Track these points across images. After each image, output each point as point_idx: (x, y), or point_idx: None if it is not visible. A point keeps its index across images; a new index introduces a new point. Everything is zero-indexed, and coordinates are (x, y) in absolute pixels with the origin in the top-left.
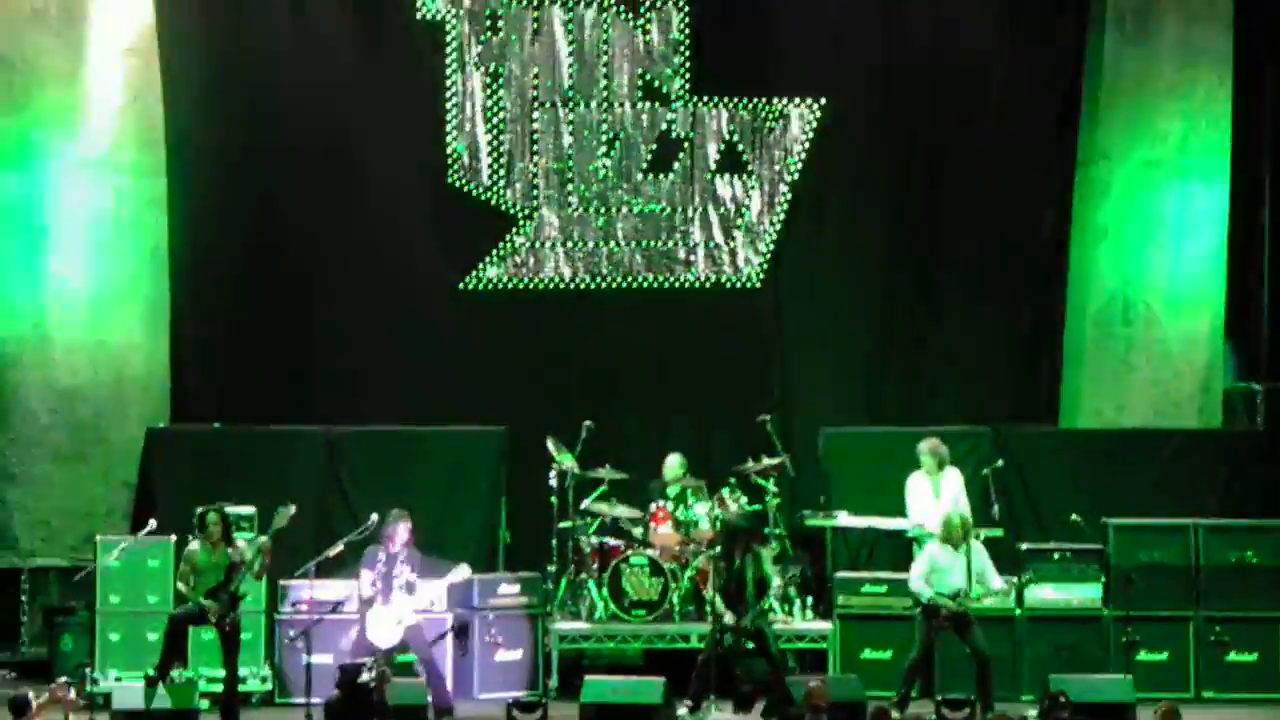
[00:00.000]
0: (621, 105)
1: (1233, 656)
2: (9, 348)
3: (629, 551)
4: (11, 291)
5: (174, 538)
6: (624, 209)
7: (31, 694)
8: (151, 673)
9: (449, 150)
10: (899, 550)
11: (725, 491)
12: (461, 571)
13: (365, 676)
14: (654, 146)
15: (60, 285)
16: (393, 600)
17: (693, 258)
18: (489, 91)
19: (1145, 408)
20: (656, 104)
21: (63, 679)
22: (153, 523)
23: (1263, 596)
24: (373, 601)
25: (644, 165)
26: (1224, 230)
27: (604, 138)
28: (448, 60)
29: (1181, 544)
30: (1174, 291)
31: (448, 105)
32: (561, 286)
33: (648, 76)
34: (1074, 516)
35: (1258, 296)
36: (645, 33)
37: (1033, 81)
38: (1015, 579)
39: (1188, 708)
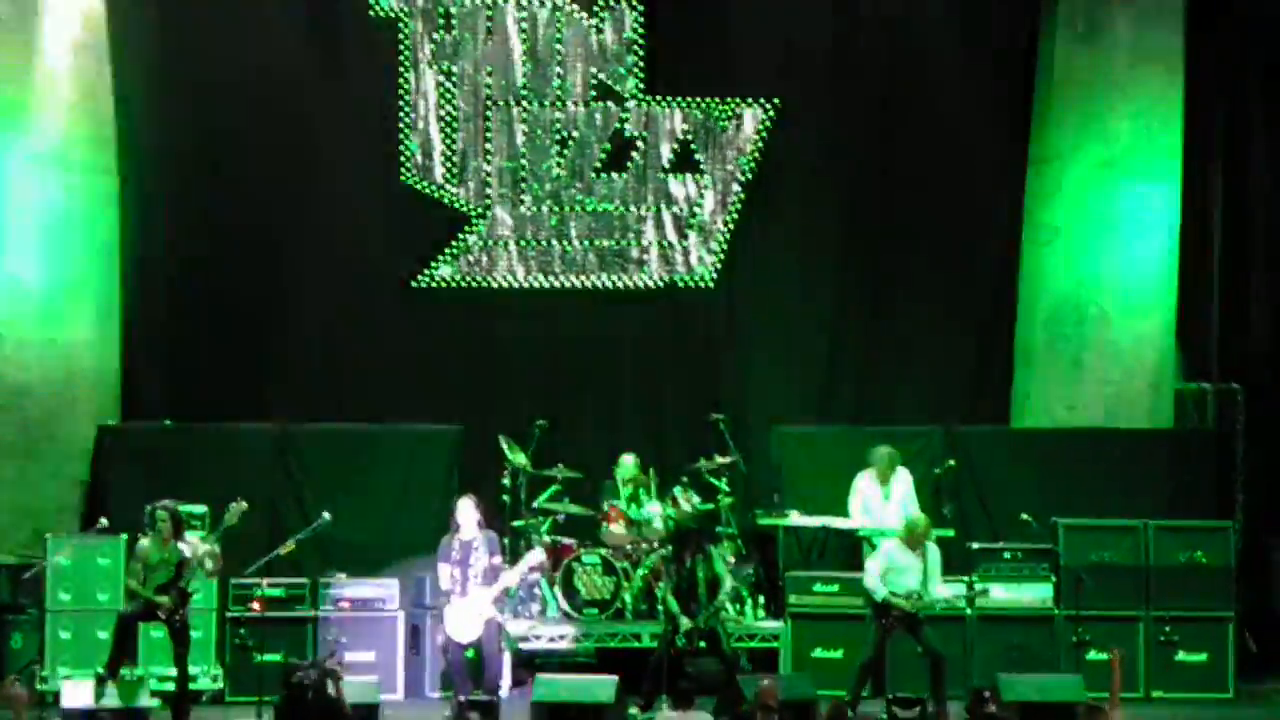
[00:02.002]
0: (575, 104)
1: (1182, 656)
2: None
3: (581, 550)
4: None
5: (125, 535)
6: (577, 208)
7: None
8: (101, 671)
9: (402, 148)
10: (850, 549)
11: (678, 490)
12: (535, 556)
13: (299, 675)
14: (607, 146)
15: (11, 282)
16: (469, 593)
17: (646, 257)
18: (442, 90)
19: (1096, 408)
20: (610, 103)
21: (13, 677)
22: (104, 520)
23: (1212, 596)
24: (450, 596)
25: (597, 164)
26: (1175, 231)
27: (557, 137)
28: (401, 58)
29: (1132, 544)
30: (1125, 292)
31: (401, 103)
32: (514, 285)
33: (601, 76)
34: (1024, 516)
35: (1209, 297)
36: (599, 32)
37: (984, 81)
38: (966, 580)
39: (1137, 707)
